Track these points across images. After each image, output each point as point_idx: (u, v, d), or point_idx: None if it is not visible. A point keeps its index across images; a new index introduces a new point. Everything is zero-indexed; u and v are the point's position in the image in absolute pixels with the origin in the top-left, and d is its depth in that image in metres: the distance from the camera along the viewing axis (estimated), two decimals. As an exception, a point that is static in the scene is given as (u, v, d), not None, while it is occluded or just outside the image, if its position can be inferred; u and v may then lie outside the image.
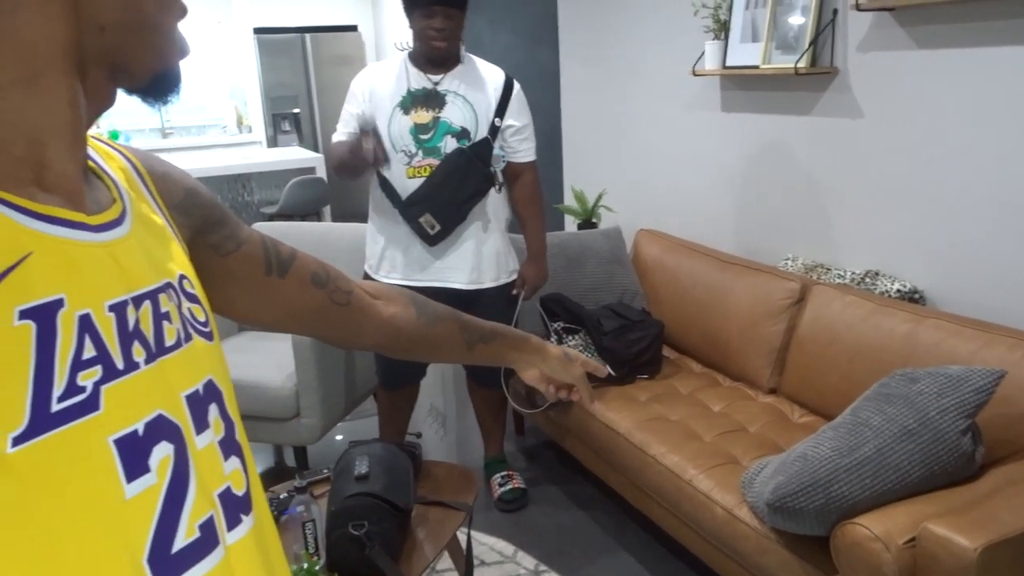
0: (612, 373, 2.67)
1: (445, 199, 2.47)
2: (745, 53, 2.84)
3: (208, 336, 0.63)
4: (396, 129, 2.48)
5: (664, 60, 3.35)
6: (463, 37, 2.54)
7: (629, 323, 2.82)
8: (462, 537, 2.12)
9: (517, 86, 2.60)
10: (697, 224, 3.30)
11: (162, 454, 0.52)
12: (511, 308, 2.71)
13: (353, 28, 7.63)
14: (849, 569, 1.70)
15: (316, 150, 6.96)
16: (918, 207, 2.40)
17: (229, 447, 0.61)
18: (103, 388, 0.49)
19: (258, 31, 7.28)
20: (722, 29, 2.92)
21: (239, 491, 0.61)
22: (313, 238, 3.17)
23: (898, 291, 2.39)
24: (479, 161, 2.49)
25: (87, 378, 0.48)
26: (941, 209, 2.33)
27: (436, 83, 2.50)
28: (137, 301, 0.55)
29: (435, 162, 2.48)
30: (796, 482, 1.79)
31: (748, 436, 2.37)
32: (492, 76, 2.57)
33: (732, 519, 2.02)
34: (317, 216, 5.79)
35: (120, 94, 0.58)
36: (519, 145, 2.61)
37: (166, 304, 0.58)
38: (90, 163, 0.59)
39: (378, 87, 2.53)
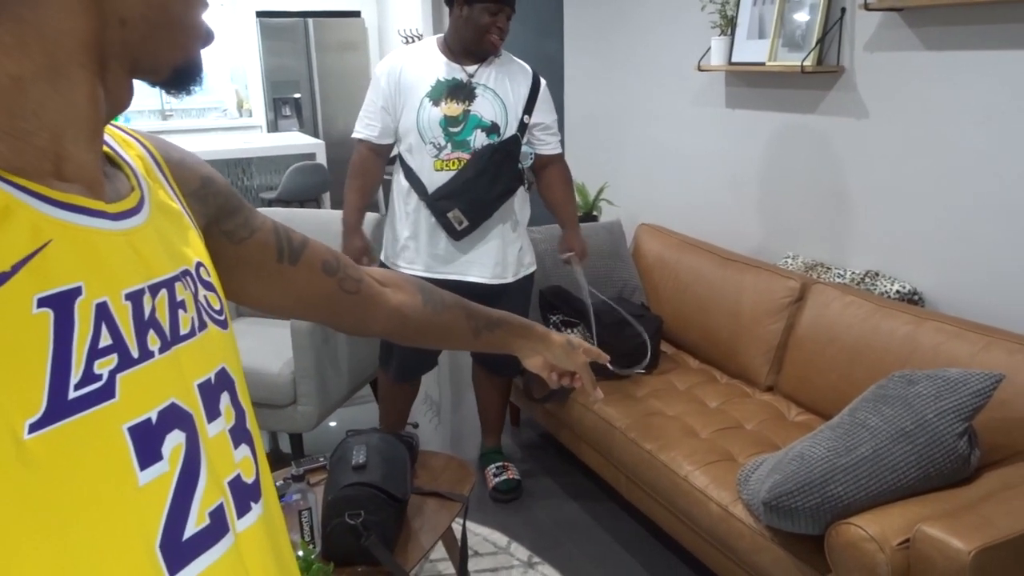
0: (611, 367, 2.66)
1: (476, 195, 2.46)
2: (751, 50, 2.84)
3: (223, 324, 0.63)
4: (425, 120, 2.45)
5: (669, 55, 3.35)
6: None
7: (628, 318, 2.82)
8: (457, 528, 2.13)
9: (543, 83, 2.59)
10: (698, 220, 3.30)
11: (174, 442, 0.53)
12: (527, 300, 2.74)
13: (356, 14, 7.60)
14: (843, 569, 1.70)
15: (317, 136, 6.94)
16: (920, 209, 2.40)
17: (240, 435, 0.61)
18: (119, 376, 0.49)
19: (260, 14, 7.25)
20: (729, 25, 2.91)
21: (249, 479, 0.61)
22: (314, 225, 3.16)
23: (897, 292, 2.40)
24: (511, 159, 2.49)
25: (103, 366, 0.49)
26: (943, 211, 2.34)
27: (471, 75, 2.47)
28: (154, 289, 0.55)
29: (464, 156, 2.46)
30: (792, 481, 1.80)
31: (745, 433, 2.38)
32: (522, 72, 2.56)
33: (727, 516, 2.03)
34: (316, 203, 5.77)
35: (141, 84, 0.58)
36: (549, 138, 2.62)
37: (182, 292, 0.58)
38: (108, 150, 0.59)
39: (406, 74, 2.48)
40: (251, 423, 0.64)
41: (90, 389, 0.47)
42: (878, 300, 2.35)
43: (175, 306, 0.57)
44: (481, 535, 2.62)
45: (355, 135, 2.58)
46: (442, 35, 2.56)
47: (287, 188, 5.41)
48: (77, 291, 0.48)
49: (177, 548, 0.51)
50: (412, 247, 2.58)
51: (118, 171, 0.59)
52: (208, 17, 0.59)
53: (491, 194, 2.48)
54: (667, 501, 2.27)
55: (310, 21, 7.31)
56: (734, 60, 2.91)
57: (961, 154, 2.26)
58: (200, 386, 0.57)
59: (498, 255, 2.58)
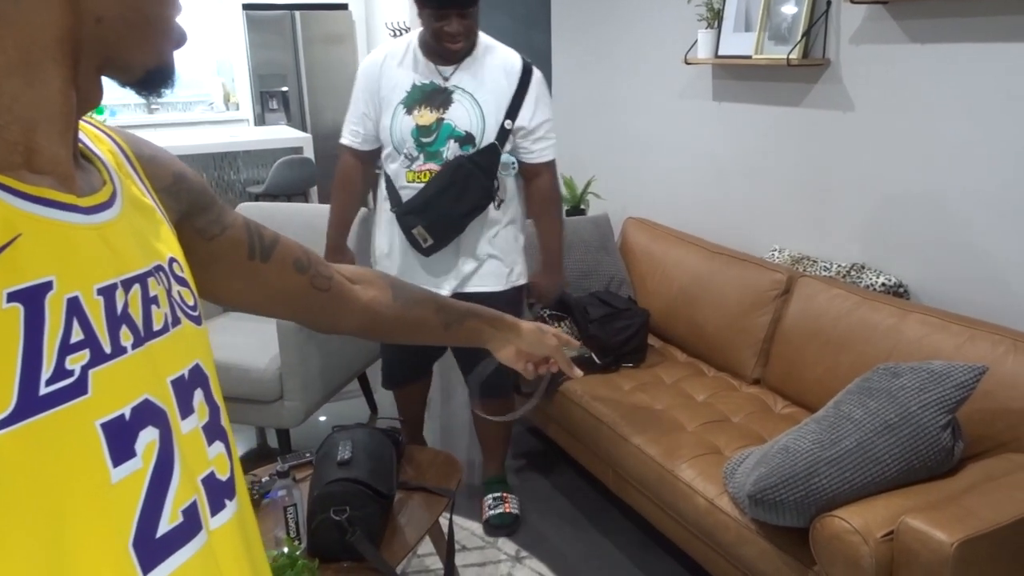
0: (598, 360, 2.66)
1: (440, 212, 2.28)
2: (738, 43, 2.84)
3: (197, 320, 0.63)
4: (398, 130, 2.30)
5: (657, 48, 3.34)
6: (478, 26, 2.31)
7: (615, 311, 2.82)
8: (444, 522, 2.12)
9: (537, 75, 2.36)
10: (685, 213, 3.30)
11: (148, 439, 0.52)
12: (518, 314, 2.52)
13: (343, 7, 7.56)
14: (828, 561, 1.71)
15: (304, 129, 6.89)
16: (905, 202, 2.41)
17: (213, 432, 0.61)
18: (91, 372, 0.49)
19: (247, 7, 7.19)
20: (715, 18, 2.91)
21: (223, 476, 0.61)
22: (300, 220, 3.15)
23: (883, 285, 2.41)
24: (481, 173, 2.29)
25: (75, 362, 0.48)
26: (928, 204, 2.35)
27: (447, 77, 2.30)
28: (127, 284, 0.54)
29: (436, 167, 2.29)
30: (777, 474, 1.80)
31: (731, 426, 2.38)
32: (508, 67, 2.33)
33: (713, 509, 2.04)
34: (304, 197, 5.75)
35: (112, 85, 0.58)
36: (533, 146, 2.37)
37: (155, 288, 0.58)
38: (80, 146, 0.58)
39: (384, 78, 2.33)
40: (225, 420, 0.63)
41: (62, 385, 0.47)
42: (863, 293, 2.36)
43: (148, 301, 0.56)
44: (469, 529, 2.62)
45: (340, 140, 2.47)
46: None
47: (274, 182, 5.38)
48: (48, 285, 0.47)
49: (150, 546, 0.51)
50: (386, 264, 2.48)
51: (90, 166, 0.59)
52: (192, 11, 0.59)
53: (457, 211, 2.29)
54: (654, 495, 2.28)
55: (297, 14, 7.27)
56: (721, 53, 2.91)
57: (946, 147, 2.27)
58: (174, 382, 0.57)
59: (470, 270, 2.41)
